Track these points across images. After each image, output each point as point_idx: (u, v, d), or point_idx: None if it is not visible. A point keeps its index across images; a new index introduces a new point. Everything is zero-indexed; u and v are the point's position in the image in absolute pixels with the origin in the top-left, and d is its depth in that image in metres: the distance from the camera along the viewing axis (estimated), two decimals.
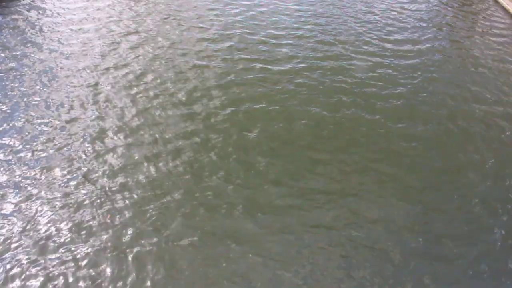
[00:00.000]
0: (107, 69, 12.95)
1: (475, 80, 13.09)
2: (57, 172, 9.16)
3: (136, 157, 9.64)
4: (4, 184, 8.82)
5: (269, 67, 13.18)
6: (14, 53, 13.56)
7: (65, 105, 11.20)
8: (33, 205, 8.37)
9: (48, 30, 15.30)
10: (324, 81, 12.61)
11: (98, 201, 8.53)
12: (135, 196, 8.67)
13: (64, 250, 7.61)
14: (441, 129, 10.93)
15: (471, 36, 16.12)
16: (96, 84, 12.21)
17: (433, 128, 10.90)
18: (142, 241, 7.82)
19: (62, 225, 8.02)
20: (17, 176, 9.00)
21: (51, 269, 7.30)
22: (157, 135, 10.33)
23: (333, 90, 12.26)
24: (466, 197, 9.07)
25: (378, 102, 11.81)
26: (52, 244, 7.68)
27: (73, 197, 8.57)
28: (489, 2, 19.32)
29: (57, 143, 9.93)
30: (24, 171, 9.14)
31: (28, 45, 14.13)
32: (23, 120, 10.60)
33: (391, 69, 13.50)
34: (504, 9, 18.36)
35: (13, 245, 7.61)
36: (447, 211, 8.71)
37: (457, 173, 9.72)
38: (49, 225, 8.01)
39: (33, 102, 11.27)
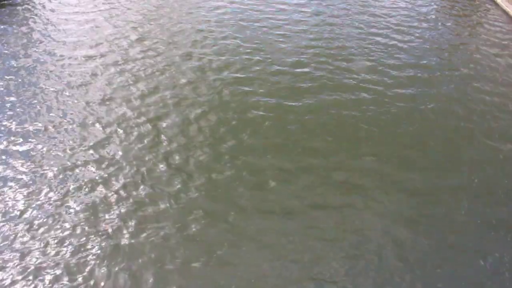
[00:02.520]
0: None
1: (477, 91, 13.05)
2: None
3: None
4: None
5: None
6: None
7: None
8: None
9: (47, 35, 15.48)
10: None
11: None
12: None
13: None
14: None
15: (472, 43, 15.97)
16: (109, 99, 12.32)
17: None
18: None
19: None
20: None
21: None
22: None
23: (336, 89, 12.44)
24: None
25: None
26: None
27: None
28: (490, 5, 19.28)
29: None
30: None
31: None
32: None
33: (391, 70, 13.63)
34: (506, 13, 18.31)
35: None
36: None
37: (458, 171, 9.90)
38: None
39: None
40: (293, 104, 11.81)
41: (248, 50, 14.48)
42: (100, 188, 9.07)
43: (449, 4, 19.44)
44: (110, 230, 8.19)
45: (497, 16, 18.05)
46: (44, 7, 17.81)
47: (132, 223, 8.37)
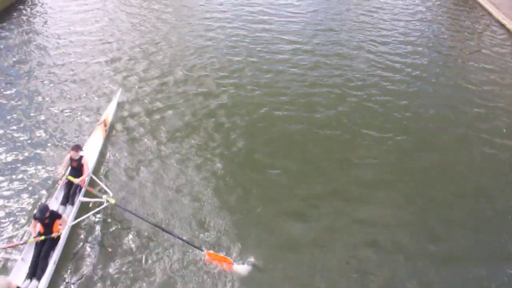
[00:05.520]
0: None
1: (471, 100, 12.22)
2: None
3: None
4: None
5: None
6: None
7: None
8: None
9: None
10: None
11: None
12: None
13: None
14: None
15: (469, 53, 15.24)
16: None
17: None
18: None
19: None
20: None
21: None
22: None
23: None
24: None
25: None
26: None
27: None
28: (485, 17, 18.89)
29: None
30: None
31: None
32: None
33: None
34: (501, 24, 17.90)
35: None
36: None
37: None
38: None
39: None
40: None
41: None
42: None
43: (444, 15, 18.97)
44: None
45: (493, 28, 17.61)
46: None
47: None
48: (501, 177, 9.33)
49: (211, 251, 7.15)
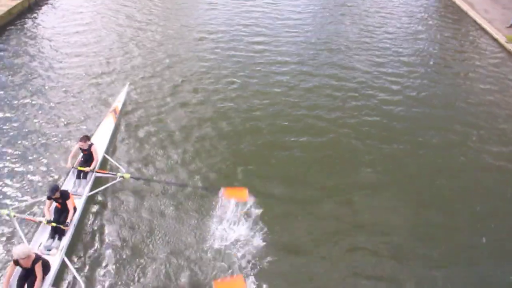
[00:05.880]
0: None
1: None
2: None
3: None
4: None
5: None
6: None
7: None
8: None
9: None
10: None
11: None
12: None
13: None
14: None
15: (466, 72, 15.55)
16: None
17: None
18: None
19: None
20: None
21: None
22: None
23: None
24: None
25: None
26: None
27: None
28: (479, 32, 19.71)
29: None
30: None
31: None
32: None
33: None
34: (493, 38, 18.75)
35: None
36: None
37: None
38: None
39: None
40: None
41: None
42: None
43: (439, 33, 19.37)
44: None
45: (486, 43, 18.39)
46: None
47: None
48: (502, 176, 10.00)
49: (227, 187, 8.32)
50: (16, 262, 6.11)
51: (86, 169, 8.35)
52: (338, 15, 20.34)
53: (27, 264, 6.06)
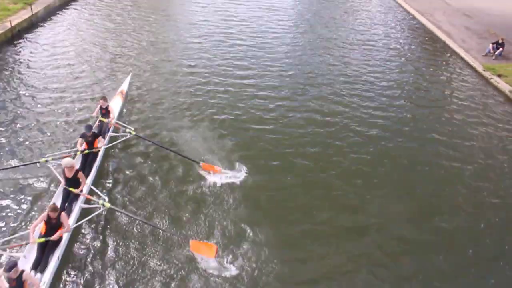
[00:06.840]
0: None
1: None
2: None
3: None
4: None
5: None
6: None
7: None
8: None
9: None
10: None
11: None
12: None
13: None
14: None
15: (445, 104, 16.01)
16: None
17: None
18: None
19: None
20: None
21: None
22: None
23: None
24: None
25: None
26: None
27: None
28: (457, 60, 20.55)
29: None
30: None
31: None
32: None
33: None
34: (471, 66, 19.53)
35: None
36: None
37: None
38: None
39: None
40: None
41: None
42: None
43: (417, 61, 20.17)
44: None
45: (464, 72, 19.14)
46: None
47: None
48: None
49: (205, 163, 10.42)
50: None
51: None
52: (321, 48, 21.15)
53: (70, 174, 8.29)
